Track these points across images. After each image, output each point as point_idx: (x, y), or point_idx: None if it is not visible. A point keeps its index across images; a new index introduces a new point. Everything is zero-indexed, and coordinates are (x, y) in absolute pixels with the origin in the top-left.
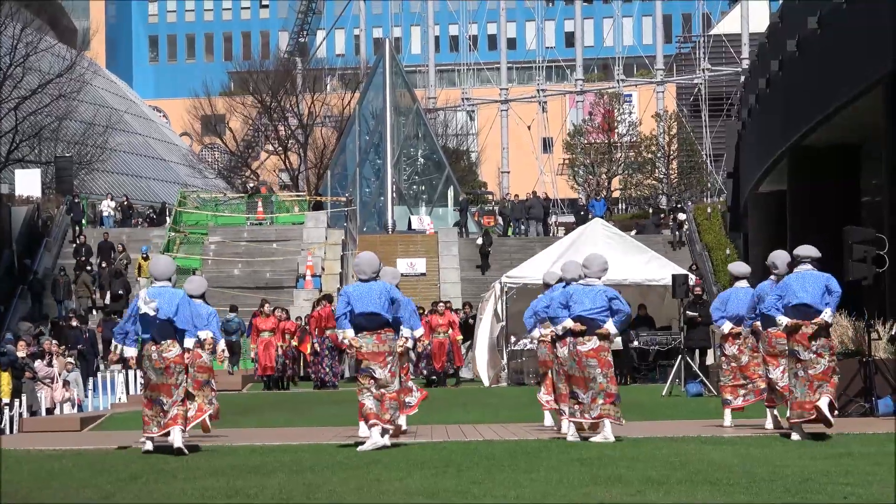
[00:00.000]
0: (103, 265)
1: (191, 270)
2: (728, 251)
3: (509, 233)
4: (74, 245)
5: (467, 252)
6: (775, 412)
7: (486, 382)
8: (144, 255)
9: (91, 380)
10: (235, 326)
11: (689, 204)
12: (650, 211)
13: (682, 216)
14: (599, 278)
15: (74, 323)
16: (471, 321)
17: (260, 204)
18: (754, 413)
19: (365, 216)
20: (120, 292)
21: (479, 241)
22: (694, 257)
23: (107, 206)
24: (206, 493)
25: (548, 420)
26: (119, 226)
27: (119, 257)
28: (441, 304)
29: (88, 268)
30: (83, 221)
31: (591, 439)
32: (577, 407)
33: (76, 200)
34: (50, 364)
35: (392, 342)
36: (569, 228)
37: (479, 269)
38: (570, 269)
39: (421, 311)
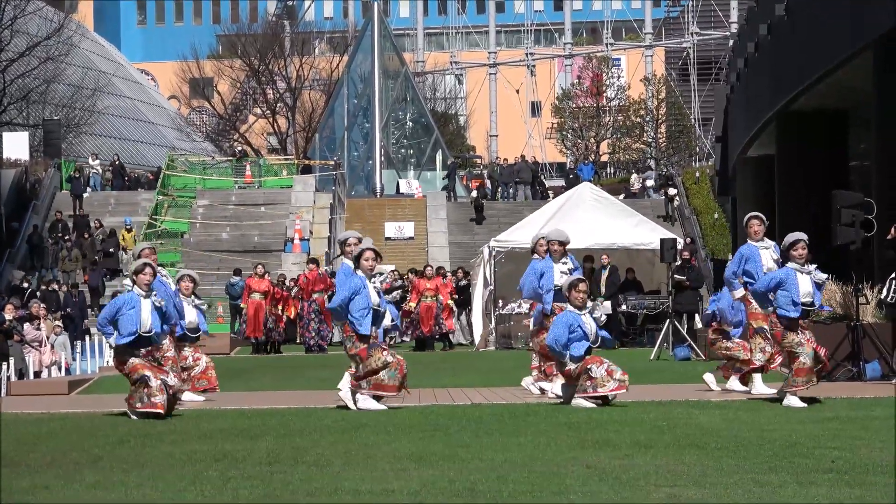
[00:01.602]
0: (85, 236)
1: (179, 234)
2: (716, 215)
3: (497, 197)
4: (50, 223)
5: (455, 216)
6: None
7: (476, 346)
8: (128, 227)
9: (79, 343)
10: (239, 290)
11: (679, 179)
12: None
13: (672, 191)
14: None
15: (55, 287)
16: (461, 284)
17: (248, 167)
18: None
19: (353, 180)
20: (111, 250)
21: (474, 193)
22: (686, 230)
23: (93, 166)
24: (193, 456)
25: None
26: (111, 187)
27: (96, 233)
28: (429, 267)
29: (68, 241)
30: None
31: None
32: (588, 382)
33: (76, 175)
34: (38, 328)
35: None
36: (558, 193)
37: (466, 234)
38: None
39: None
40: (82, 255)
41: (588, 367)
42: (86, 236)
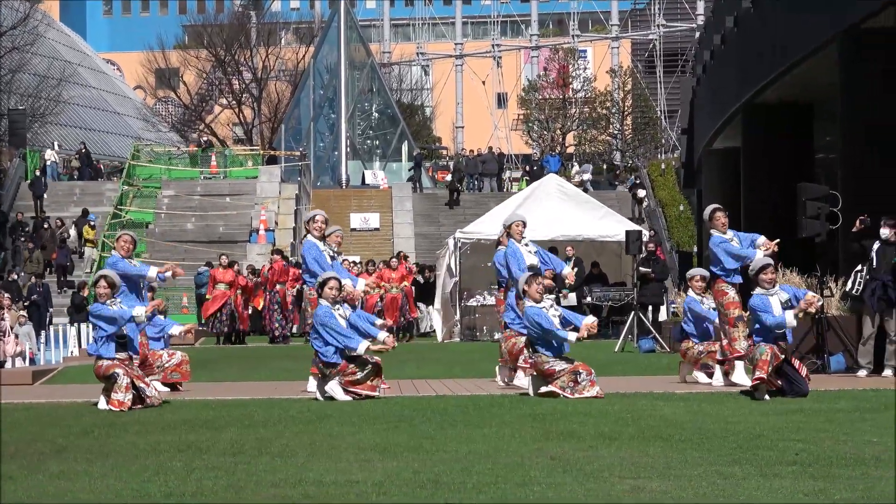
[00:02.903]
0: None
1: (144, 224)
2: (682, 207)
3: (463, 188)
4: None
5: (421, 207)
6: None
7: (441, 338)
8: (92, 224)
9: (43, 333)
10: (205, 280)
11: (644, 171)
12: (604, 167)
13: (641, 192)
14: None
15: (13, 277)
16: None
17: (213, 158)
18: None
19: (319, 171)
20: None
21: (449, 177)
22: (651, 223)
23: (51, 156)
24: (157, 446)
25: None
26: (79, 177)
27: (59, 232)
28: (394, 259)
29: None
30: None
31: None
32: (570, 383)
33: (38, 175)
34: (1, 318)
35: None
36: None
37: (432, 225)
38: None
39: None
40: (44, 257)
41: (578, 371)
42: (45, 240)
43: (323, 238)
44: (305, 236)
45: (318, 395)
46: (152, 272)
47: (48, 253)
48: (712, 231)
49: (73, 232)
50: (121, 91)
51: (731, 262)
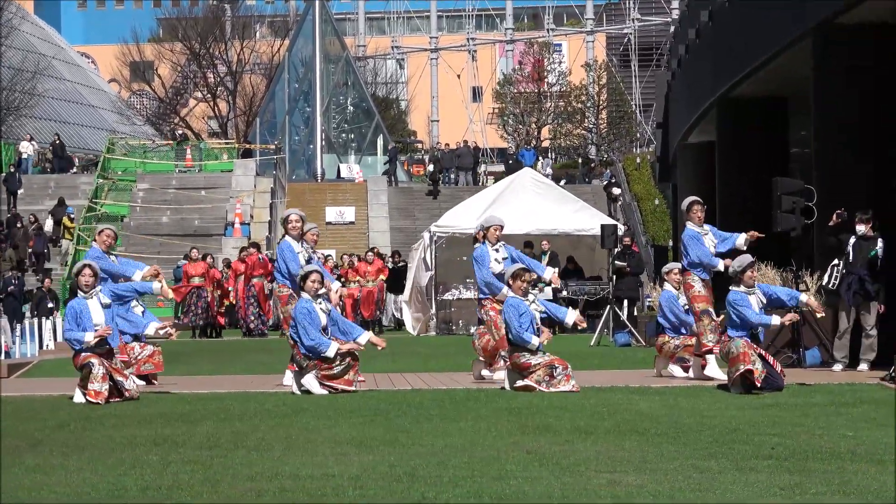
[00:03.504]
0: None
1: (119, 217)
2: (657, 201)
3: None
4: None
5: (396, 201)
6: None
7: (412, 331)
8: (70, 217)
9: (18, 326)
10: (181, 274)
11: (620, 165)
12: (579, 161)
13: (616, 191)
14: None
15: None
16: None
17: (189, 151)
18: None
19: (294, 164)
20: (45, 251)
21: (430, 167)
22: (626, 217)
23: (26, 148)
24: (133, 440)
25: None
26: (52, 169)
27: (31, 228)
28: (370, 252)
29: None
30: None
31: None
32: (546, 377)
33: (11, 171)
34: None
35: None
36: (498, 178)
37: (407, 219)
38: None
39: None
40: (16, 255)
41: (553, 365)
42: (18, 236)
43: (300, 237)
44: (283, 237)
45: (295, 389)
46: (138, 276)
47: (21, 252)
48: (687, 223)
49: (49, 221)
50: (95, 84)
51: (695, 258)
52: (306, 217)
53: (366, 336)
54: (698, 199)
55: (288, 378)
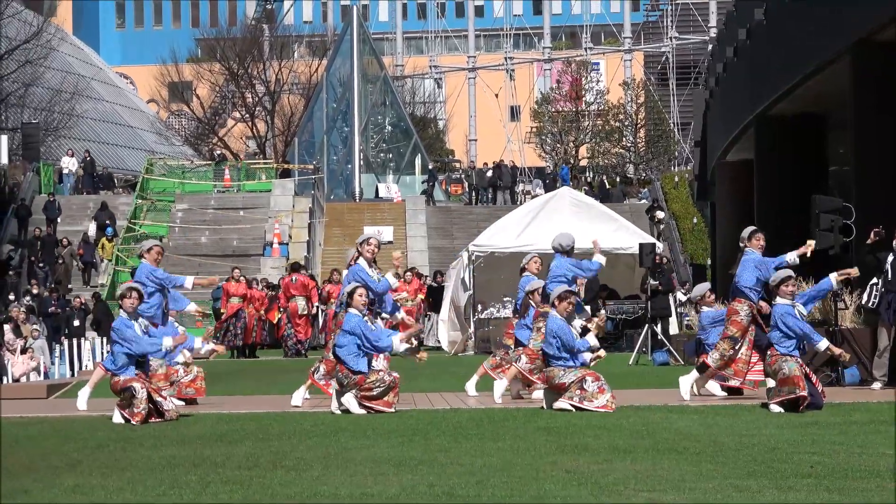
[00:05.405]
0: (58, 262)
1: (158, 238)
2: (695, 220)
3: (476, 202)
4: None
5: (434, 220)
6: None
7: (448, 350)
8: (109, 237)
9: (57, 347)
10: (220, 293)
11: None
12: (617, 179)
13: (660, 214)
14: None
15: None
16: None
17: (227, 171)
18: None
19: (332, 184)
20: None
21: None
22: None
23: (68, 163)
24: (172, 460)
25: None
26: (81, 185)
27: (63, 252)
28: (408, 272)
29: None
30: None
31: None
32: (578, 392)
33: (52, 199)
34: (18, 332)
35: None
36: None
37: (445, 238)
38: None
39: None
40: (56, 280)
41: (584, 378)
42: (59, 262)
43: (374, 261)
44: (357, 258)
45: (334, 408)
46: (189, 282)
47: (59, 273)
48: (750, 248)
49: (93, 226)
50: (134, 105)
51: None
52: (344, 241)
53: (400, 314)
54: (757, 228)
55: (296, 398)
